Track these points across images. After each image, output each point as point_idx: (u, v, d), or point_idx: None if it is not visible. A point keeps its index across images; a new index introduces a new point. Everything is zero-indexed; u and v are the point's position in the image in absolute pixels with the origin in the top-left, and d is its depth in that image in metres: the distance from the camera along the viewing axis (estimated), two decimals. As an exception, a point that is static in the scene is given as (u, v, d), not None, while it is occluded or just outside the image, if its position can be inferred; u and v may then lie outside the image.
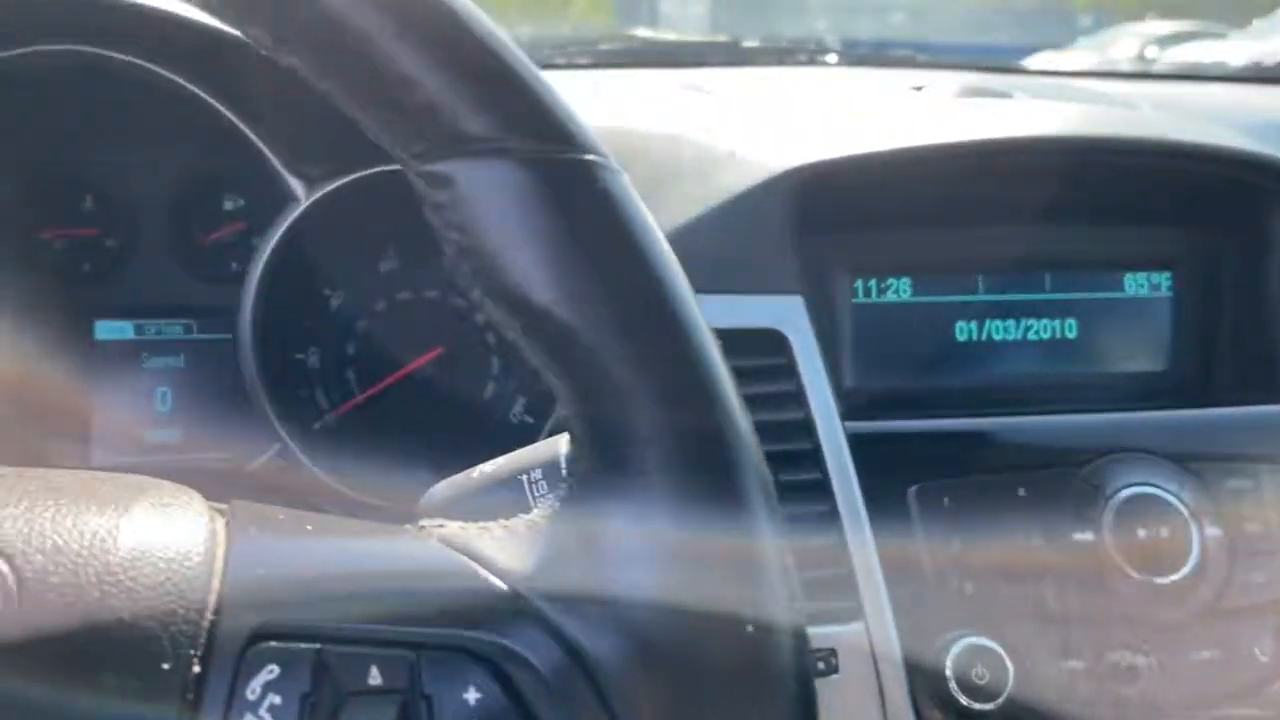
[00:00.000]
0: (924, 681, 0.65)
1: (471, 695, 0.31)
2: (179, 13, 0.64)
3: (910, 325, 0.79)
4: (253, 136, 0.74)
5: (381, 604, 0.32)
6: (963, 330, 0.80)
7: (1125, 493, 0.69)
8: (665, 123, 0.83)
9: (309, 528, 0.35)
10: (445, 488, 0.52)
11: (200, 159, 0.80)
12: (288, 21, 0.33)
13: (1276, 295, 0.80)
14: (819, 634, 0.63)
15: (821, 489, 0.67)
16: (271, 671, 0.31)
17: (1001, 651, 0.64)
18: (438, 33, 0.33)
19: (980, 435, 0.73)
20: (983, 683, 0.63)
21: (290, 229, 0.75)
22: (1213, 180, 0.81)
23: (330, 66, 0.33)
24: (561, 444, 0.48)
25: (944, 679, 0.64)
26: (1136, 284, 0.82)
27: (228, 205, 0.82)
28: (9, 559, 0.30)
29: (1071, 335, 0.80)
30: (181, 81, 0.71)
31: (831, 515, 0.66)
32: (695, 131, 0.81)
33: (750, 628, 0.33)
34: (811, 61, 1.30)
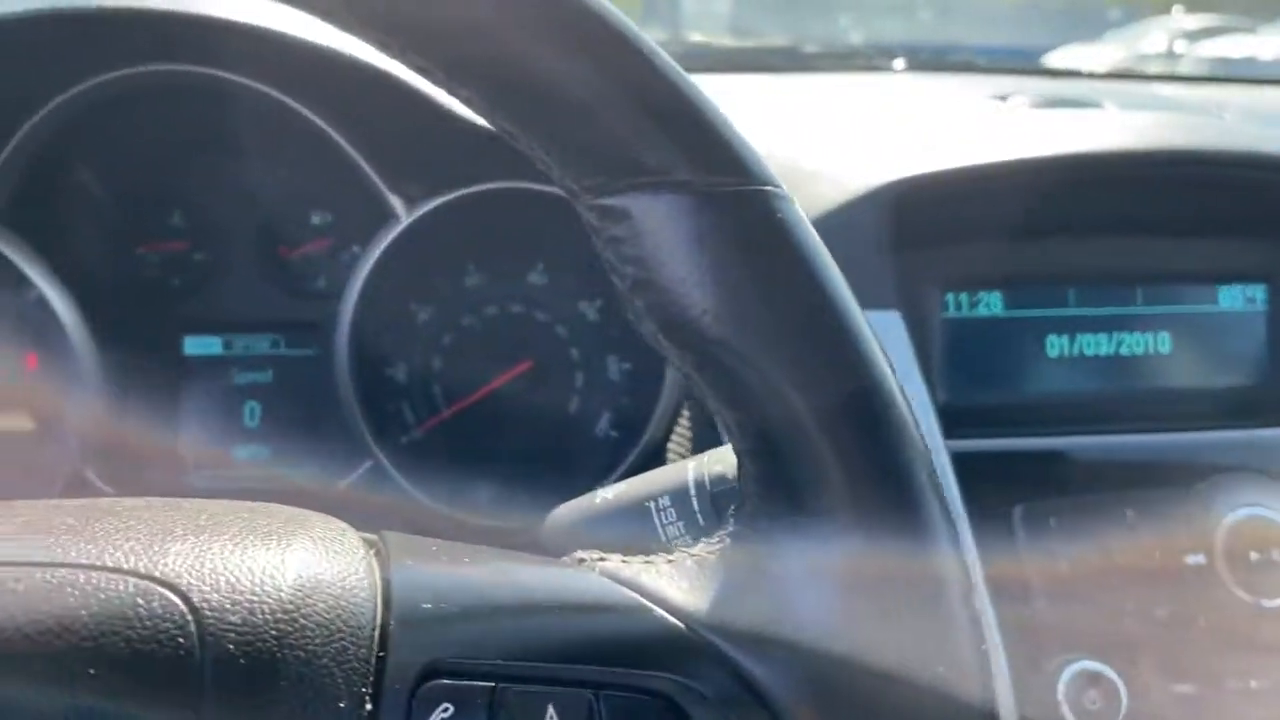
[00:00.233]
0: (1035, 708, 0.64)
1: None
2: (290, 33, 0.64)
3: (1002, 339, 0.78)
4: (355, 155, 0.74)
5: (555, 641, 0.32)
6: (1054, 345, 0.78)
7: (1237, 514, 0.67)
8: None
9: (466, 560, 0.34)
10: (568, 512, 0.51)
11: (291, 174, 0.80)
12: (464, 56, 0.32)
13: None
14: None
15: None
16: (446, 710, 0.30)
17: (1114, 676, 0.63)
18: (615, 67, 0.32)
19: (1083, 454, 0.72)
20: (1095, 708, 0.62)
21: (390, 246, 0.75)
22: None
23: (504, 100, 0.33)
24: (689, 470, 0.47)
25: (1056, 704, 0.63)
26: (1231, 297, 0.80)
27: (315, 220, 0.81)
28: (184, 596, 0.29)
29: (1164, 350, 0.79)
30: (289, 101, 0.71)
31: None
32: (777, 143, 0.80)
33: (941, 669, 0.32)
34: (873, 67, 1.29)
